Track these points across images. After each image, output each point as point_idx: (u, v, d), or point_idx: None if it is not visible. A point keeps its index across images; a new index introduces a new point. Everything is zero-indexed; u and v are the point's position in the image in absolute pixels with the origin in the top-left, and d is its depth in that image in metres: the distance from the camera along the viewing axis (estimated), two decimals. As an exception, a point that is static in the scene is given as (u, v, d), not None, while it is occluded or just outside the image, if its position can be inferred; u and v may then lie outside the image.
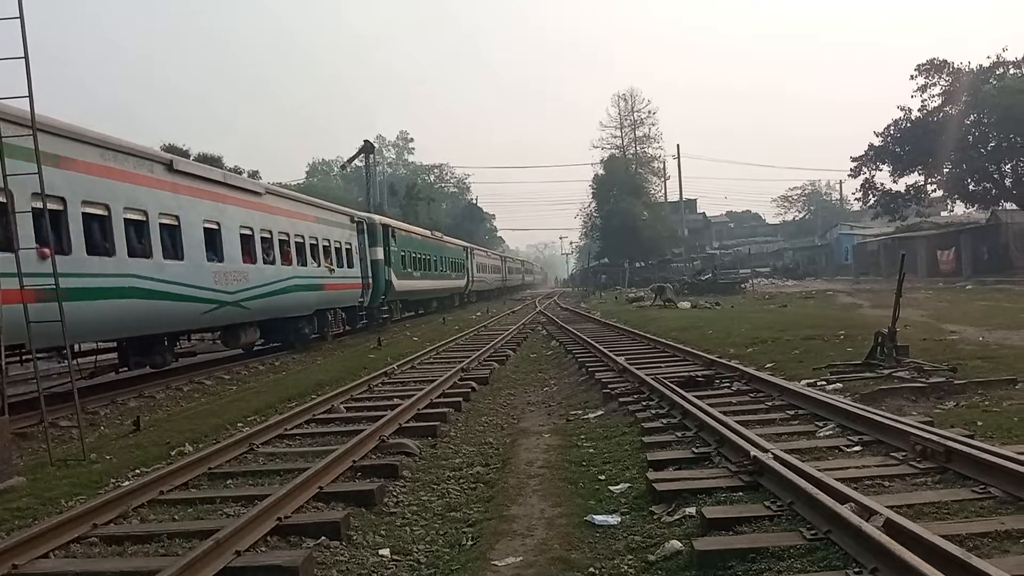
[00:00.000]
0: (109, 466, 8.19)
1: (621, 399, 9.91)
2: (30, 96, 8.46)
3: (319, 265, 21.39)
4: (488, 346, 18.19)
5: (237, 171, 40.77)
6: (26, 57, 8.25)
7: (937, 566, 3.50)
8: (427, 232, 40.11)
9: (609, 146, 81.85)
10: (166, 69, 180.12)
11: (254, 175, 46.34)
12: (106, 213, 12.07)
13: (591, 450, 7.80)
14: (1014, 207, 43.79)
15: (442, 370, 13.78)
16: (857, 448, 6.48)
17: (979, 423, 7.28)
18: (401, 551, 5.22)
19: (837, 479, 5.09)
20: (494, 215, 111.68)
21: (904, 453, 6.00)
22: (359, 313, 25.86)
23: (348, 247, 24.37)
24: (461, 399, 10.91)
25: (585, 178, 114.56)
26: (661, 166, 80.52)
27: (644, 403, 9.36)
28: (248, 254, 17.03)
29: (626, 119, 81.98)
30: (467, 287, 48.02)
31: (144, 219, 13.05)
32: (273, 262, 18.30)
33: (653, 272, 64.03)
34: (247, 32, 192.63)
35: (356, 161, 59.10)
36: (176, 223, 14.04)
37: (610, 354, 14.06)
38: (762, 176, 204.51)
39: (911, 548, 3.72)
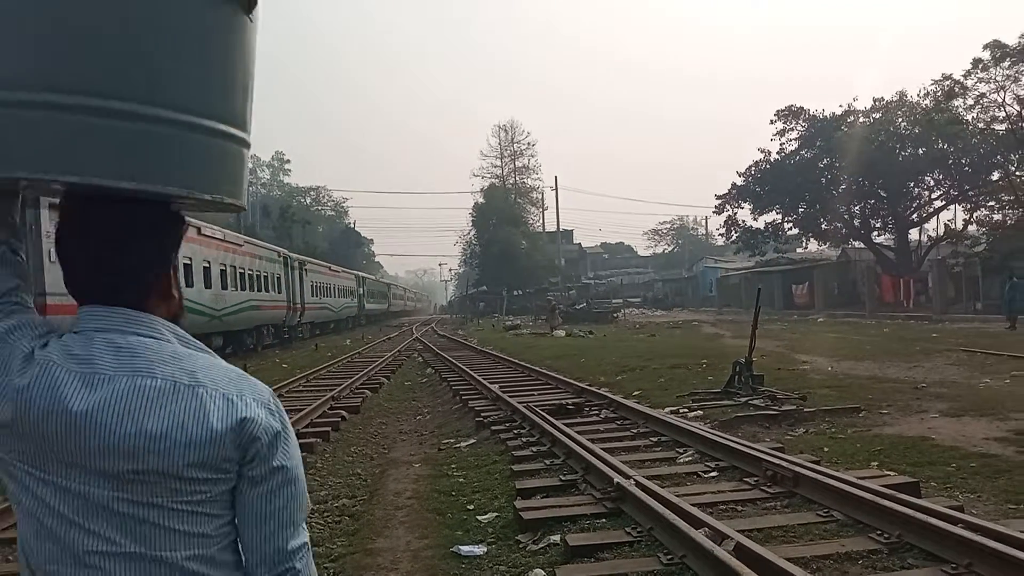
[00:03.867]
0: None
1: (493, 427, 9.94)
2: None
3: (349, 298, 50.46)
4: (361, 373, 17.88)
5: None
6: None
7: (781, 587, 3.68)
8: (375, 277, 75.11)
9: (489, 175, 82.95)
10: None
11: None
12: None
13: (461, 479, 7.76)
14: (862, 246, 47.26)
15: (311, 399, 13.41)
16: (714, 474, 6.76)
17: (825, 449, 7.75)
18: None
19: (694, 504, 5.30)
20: (372, 240, 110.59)
21: (756, 478, 6.30)
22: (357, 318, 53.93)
23: (358, 291, 53.37)
24: (330, 429, 10.64)
25: (465, 205, 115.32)
26: (539, 196, 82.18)
27: (516, 431, 9.42)
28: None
29: (506, 149, 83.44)
30: (388, 308, 73.40)
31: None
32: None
33: (530, 300, 64.90)
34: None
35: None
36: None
37: (484, 382, 14.10)
38: (635, 210, 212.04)
39: (759, 571, 3.90)
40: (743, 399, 10.52)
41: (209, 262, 22.31)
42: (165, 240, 1.33)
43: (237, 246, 26.00)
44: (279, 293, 31.30)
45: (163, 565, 1.22)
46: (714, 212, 50.91)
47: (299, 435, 9.85)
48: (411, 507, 6.84)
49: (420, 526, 6.25)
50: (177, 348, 1.27)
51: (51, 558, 1.21)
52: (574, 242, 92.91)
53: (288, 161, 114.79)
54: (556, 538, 5.30)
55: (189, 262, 20.03)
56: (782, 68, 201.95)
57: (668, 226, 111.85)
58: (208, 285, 22.03)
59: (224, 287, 23.64)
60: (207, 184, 1.29)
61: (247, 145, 1.39)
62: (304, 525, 1.32)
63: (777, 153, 46.92)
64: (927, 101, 40.85)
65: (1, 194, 1.31)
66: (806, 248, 63.02)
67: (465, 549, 5.48)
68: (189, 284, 19.48)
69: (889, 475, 6.33)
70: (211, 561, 1.25)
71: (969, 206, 41.50)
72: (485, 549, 5.48)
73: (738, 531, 4.63)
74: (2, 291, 1.29)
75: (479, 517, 6.29)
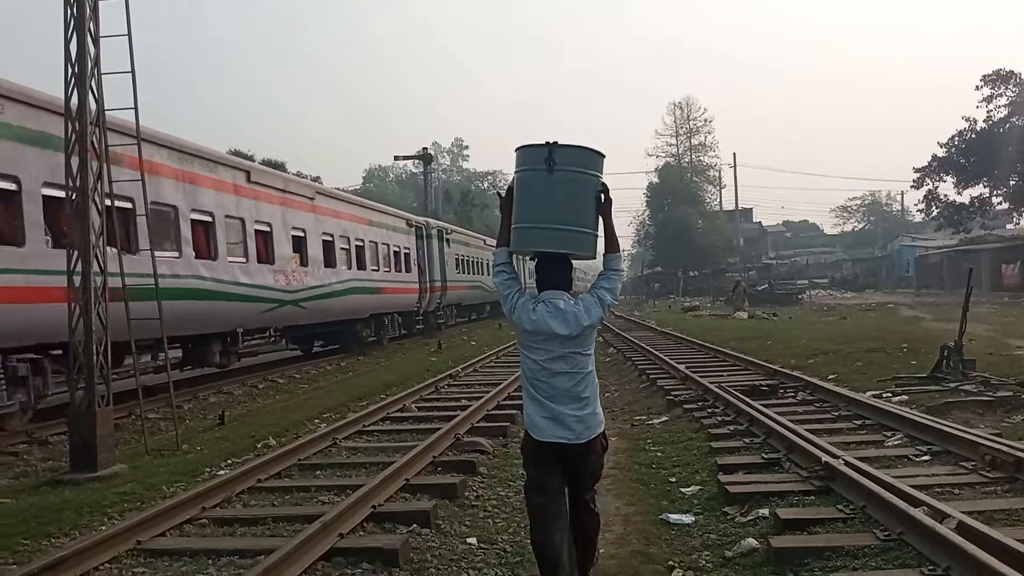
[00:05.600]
0: (201, 456, 8.73)
1: (685, 406, 10.12)
2: (135, 108, 9.04)
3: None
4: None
5: (300, 175, 41.85)
6: (132, 72, 8.81)
7: (1011, 565, 3.70)
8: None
9: (664, 154, 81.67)
10: (231, 77, 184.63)
11: (316, 179, 47.48)
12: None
13: (659, 454, 8.04)
14: (1085, 220, 42.59)
15: (505, 374, 14.10)
16: (926, 457, 6.63)
17: (1048, 437, 7.33)
18: (487, 540, 5.54)
19: (908, 485, 5.28)
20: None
21: (974, 463, 6.14)
22: None
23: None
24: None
25: (639, 186, 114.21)
26: (717, 174, 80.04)
27: (709, 410, 9.55)
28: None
29: (682, 127, 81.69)
30: None
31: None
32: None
33: (707, 281, 63.61)
34: (308, 42, 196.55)
35: (411, 166, 60.15)
36: None
37: (670, 361, 14.25)
38: (820, 186, 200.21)
39: (984, 548, 3.92)
40: (952, 384, 10.05)
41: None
42: (570, 267, 4.11)
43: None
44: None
45: (581, 375, 3.94)
46: (912, 186, 47.54)
47: (500, 407, 10.53)
48: (615, 476, 7.20)
49: (627, 494, 6.61)
50: (567, 298, 3.95)
51: (539, 379, 3.93)
52: (754, 220, 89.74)
53: (467, 147, 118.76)
54: (764, 512, 5.47)
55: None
56: (992, 24, 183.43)
57: (858, 202, 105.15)
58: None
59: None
60: (588, 250, 4.05)
61: (597, 236, 4.09)
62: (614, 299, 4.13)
63: (984, 121, 43.14)
64: None
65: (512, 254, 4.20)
66: (1018, 224, 57.47)
67: (674, 517, 5.78)
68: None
69: (1126, 466, 5.95)
70: (591, 375, 4.02)
71: None
72: (693, 518, 5.75)
73: (959, 511, 4.62)
74: (519, 286, 4.06)
75: (682, 489, 6.57)
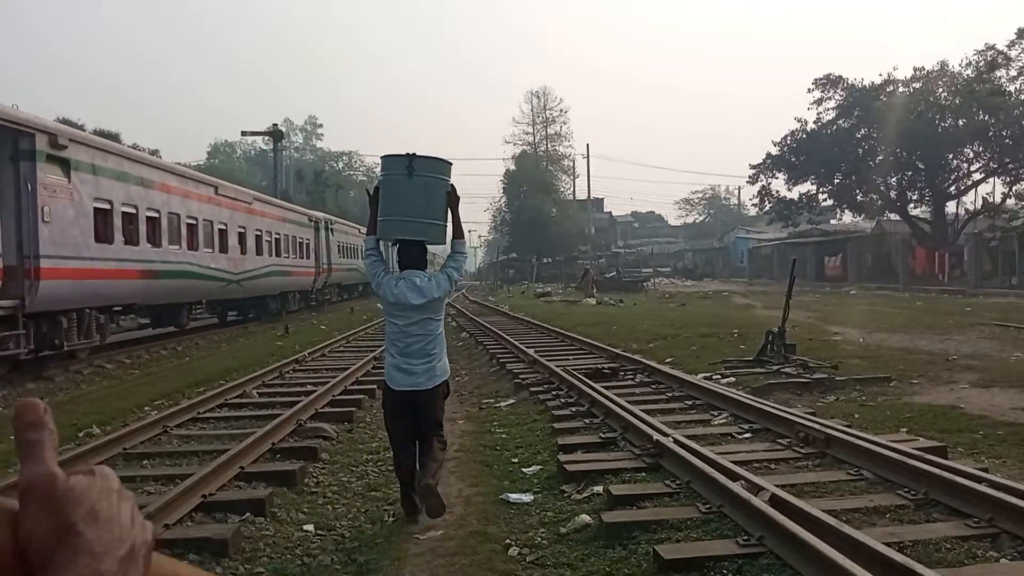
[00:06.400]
0: (11, 446, 8.01)
1: (532, 388, 10.31)
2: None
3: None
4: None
5: (136, 148, 39.39)
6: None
7: (815, 533, 4.00)
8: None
9: (521, 142, 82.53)
10: (62, 40, 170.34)
11: (155, 153, 44.76)
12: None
13: (504, 436, 8.15)
14: (897, 218, 46.76)
15: (353, 359, 13.90)
16: (748, 435, 7.07)
17: (856, 415, 8.03)
18: (325, 527, 5.42)
19: (730, 461, 5.62)
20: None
21: (789, 439, 6.60)
22: None
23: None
24: (375, 386, 11.05)
25: (495, 172, 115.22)
26: (571, 164, 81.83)
27: (554, 392, 9.78)
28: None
29: (538, 116, 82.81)
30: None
31: None
32: None
33: (560, 268, 65.15)
34: (151, 6, 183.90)
35: (261, 143, 57.95)
36: None
37: (520, 346, 14.46)
38: (667, 179, 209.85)
39: (793, 519, 4.23)
40: (775, 367, 10.78)
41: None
42: (425, 250, 5.41)
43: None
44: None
45: (432, 336, 5.22)
46: (748, 182, 50.42)
47: (347, 392, 10.35)
48: (459, 459, 7.24)
49: (469, 476, 6.66)
50: (423, 276, 5.20)
51: (398, 339, 5.19)
52: (604, 211, 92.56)
53: (321, 126, 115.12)
54: (599, 489, 5.67)
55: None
56: (821, 35, 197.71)
57: (700, 196, 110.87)
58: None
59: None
60: (439, 238, 5.38)
61: (446, 226, 5.34)
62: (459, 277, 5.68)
63: (814, 123, 46.25)
64: (969, 71, 40.10)
65: (382, 241, 5.45)
66: (840, 220, 62.40)
67: (513, 497, 5.87)
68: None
69: (917, 440, 6.59)
70: (441, 336, 5.34)
71: (1008, 179, 40.82)
72: (532, 497, 5.86)
73: (773, 485, 4.96)
74: (384, 267, 5.29)
75: (524, 469, 6.68)
